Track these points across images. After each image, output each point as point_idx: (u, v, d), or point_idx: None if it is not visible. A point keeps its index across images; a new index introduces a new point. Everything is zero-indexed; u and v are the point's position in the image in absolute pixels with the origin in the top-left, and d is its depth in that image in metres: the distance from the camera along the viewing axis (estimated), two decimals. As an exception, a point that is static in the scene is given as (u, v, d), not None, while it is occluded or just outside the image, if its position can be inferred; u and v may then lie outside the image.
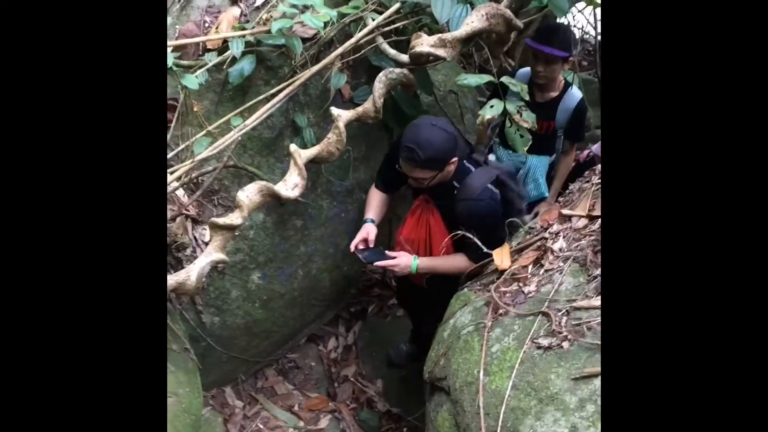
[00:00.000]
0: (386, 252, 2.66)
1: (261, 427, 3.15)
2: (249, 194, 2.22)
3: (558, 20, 3.39)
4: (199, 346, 2.82)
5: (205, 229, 2.74)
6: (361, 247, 2.68)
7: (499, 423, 1.65)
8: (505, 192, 2.58)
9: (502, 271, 2.18)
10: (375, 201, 2.86)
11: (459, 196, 2.50)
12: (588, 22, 5.35)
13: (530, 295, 1.98)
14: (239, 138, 2.50)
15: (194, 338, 2.78)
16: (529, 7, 4.68)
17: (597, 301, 1.75)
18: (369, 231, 2.71)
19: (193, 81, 2.35)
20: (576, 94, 3.22)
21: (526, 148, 2.41)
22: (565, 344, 1.69)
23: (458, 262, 2.60)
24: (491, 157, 3.40)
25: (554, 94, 3.20)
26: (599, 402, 1.50)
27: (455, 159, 2.48)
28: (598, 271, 1.85)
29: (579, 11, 5.31)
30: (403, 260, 2.62)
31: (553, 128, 3.28)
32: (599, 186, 2.24)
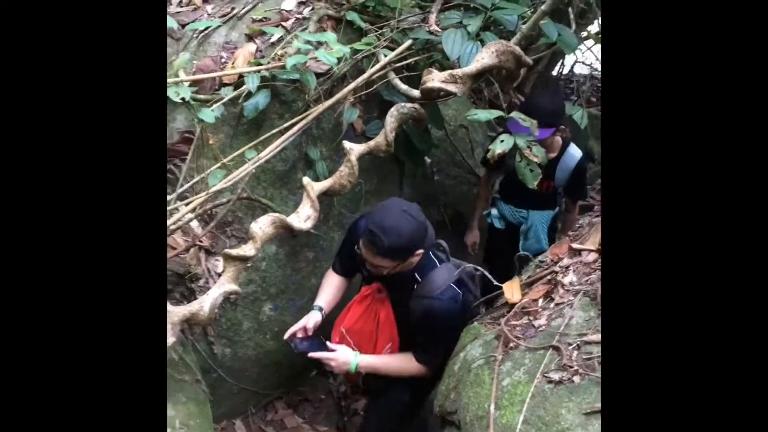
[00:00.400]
0: (327, 343, 2.38)
1: (270, 460, 3.14)
2: (262, 226, 2.25)
3: (540, 95, 3.34)
4: (211, 377, 2.83)
5: (218, 260, 2.77)
6: (299, 336, 2.38)
7: (510, 458, 1.64)
8: (464, 294, 2.39)
9: (513, 305, 2.18)
10: (329, 286, 2.59)
11: (418, 292, 2.28)
12: (596, 58, 5.42)
13: (541, 328, 1.98)
14: (253, 170, 2.55)
15: (205, 369, 2.79)
16: (538, 43, 4.78)
17: (607, 335, 1.75)
18: (311, 319, 2.41)
19: (209, 115, 2.40)
20: (575, 154, 3.20)
21: (536, 181, 2.42)
22: (576, 378, 1.69)
23: (405, 363, 2.36)
24: (493, 212, 3.49)
25: (553, 155, 3.16)
26: (610, 437, 1.50)
27: (421, 251, 2.26)
28: (609, 305, 1.86)
29: (588, 48, 5.37)
30: (342, 355, 2.32)
31: (553, 187, 3.30)
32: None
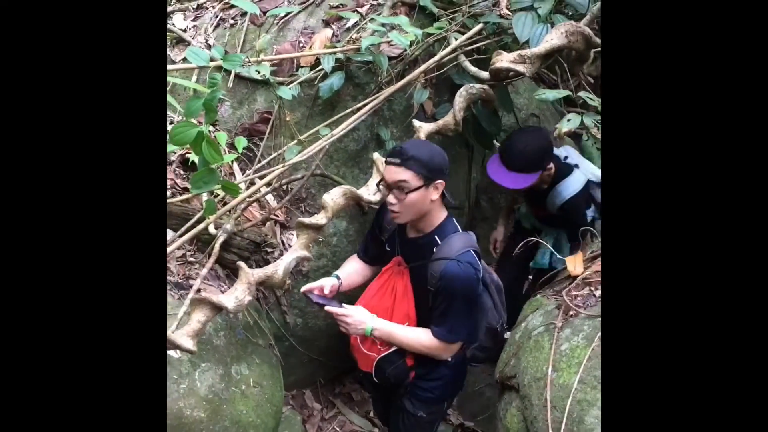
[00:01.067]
0: (343, 305, 2.28)
1: (338, 429, 3.27)
2: (333, 197, 2.37)
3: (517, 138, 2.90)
4: (283, 345, 2.98)
5: (292, 234, 2.92)
6: (317, 292, 2.34)
7: (565, 414, 1.69)
8: (482, 295, 2.30)
9: (575, 277, 2.22)
10: (348, 265, 2.57)
11: (437, 254, 2.19)
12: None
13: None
14: (327, 147, 2.68)
15: (278, 337, 2.94)
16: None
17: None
18: (328, 283, 2.35)
19: (287, 92, 2.55)
20: (564, 191, 2.89)
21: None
22: (633, 341, 1.72)
23: (422, 336, 2.24)
24: (522, 209, 3.34)
25: (545, 186, 2.95)
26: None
27: (442, 182, 2.16)
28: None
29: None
30: (359, 314, 2.22)
31: (550, 212, 3.05)
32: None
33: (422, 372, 2.36)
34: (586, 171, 2.89)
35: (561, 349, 1.90)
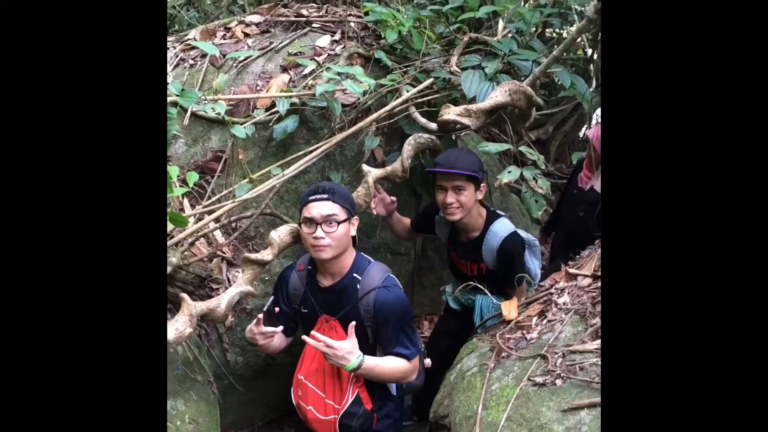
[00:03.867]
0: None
1: (272, 473, 3.23)
2: (281, 234, 2.43)
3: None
4: (222, 383, 2.96)
5: (238, 272, 2.94)
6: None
7: (492, 451, 1.75)
8: None
9: (509, 321, 2.30)
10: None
11: (363, 290, 2.24)
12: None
13: (532, 341, 2.10)
14: (277, 187, 2.74)
15: (218, 375, 2.93)
16: (564, 106, 4.98)
17: (591, 346, 1.87)
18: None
19: (241, 131, 2.62)
20: (499, 231, 2.69)
21: (540, 212, 2.57)
22: (558, 381, 1.80)
23: (395, 363, 2.24)
24: (447, 289, 3.11)
25: (476, 233, 2.76)
26: (583, 430, 1.60)
27: (357, 219, 2.31)
28: (596, 320, 1.98)
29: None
30: (347, 346, 2.14)
31: (486, 270, 2.80)
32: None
33: (381, 414, 2.37)
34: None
35: (492, 389, 1.96)
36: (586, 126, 5.72)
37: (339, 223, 2.18)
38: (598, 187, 3.15)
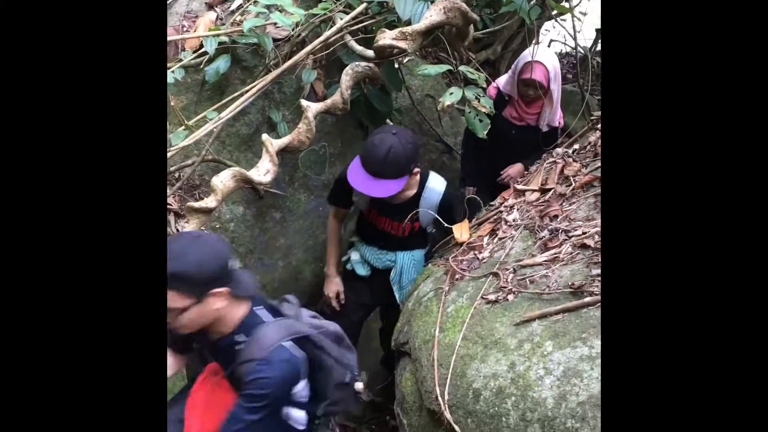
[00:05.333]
0: None
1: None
2: (223, 179, 2.36)
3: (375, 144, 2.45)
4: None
5: (187, 223, 2.88)
6: None
7: (450, 370, 1.77)
8: (319, 356, 1.89)
9: (461, 243, 2.30)
10: None
11: (243, 356, 1.76)
12: (569, 34, 5.46)
13: (484, 260, 2.11)
14: (215, 131, 2.65)
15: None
16: (511, 19, 4.88)
17: (540, 258, 1.88)
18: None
19: (168, 76, 2.50)
20: (436, 187, 2.62)
21: (485, 131, 2.53)
22: (510, 297, 1.82)
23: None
24: (353, 257, 2.92)
25: (411, 192, 2.62)
26: (535, 340, 1.63)
27: (224, 291, 1.72)
28: (543, 233, 1.99)
29: (556, 20, 5.45)
30: None
31: (418, 227, 2.69)
32: (551, 163, 2.38)
33: None
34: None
35: (447, 311, 1.97)
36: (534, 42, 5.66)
37: (180, 312, 1.68)
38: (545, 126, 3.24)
